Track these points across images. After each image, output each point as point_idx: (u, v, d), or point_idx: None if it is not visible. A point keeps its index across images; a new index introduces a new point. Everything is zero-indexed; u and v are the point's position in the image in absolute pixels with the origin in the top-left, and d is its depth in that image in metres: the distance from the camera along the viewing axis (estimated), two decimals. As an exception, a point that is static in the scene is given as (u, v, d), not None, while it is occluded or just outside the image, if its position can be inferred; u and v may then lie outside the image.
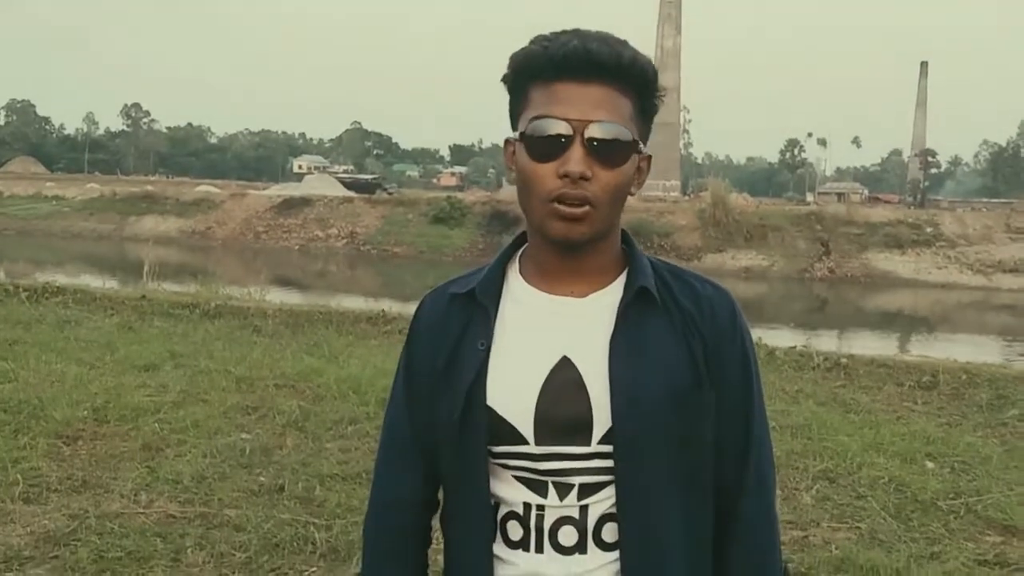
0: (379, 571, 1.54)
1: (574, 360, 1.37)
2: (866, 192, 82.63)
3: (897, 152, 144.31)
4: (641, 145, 1.38)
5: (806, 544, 4.53)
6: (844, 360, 9.17)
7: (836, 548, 4.46)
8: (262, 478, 5.12)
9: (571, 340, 1.38)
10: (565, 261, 1.40)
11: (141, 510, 4.61)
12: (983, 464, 5.87)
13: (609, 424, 1.34)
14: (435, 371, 1.44)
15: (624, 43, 1.35)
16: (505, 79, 1.39)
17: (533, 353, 1.38)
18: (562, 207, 1.32)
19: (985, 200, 78.42)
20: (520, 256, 1.49)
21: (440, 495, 1.53)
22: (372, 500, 1.57)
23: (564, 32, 1.35)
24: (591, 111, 1.31)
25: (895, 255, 32.28)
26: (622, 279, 1.42)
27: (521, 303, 1.43)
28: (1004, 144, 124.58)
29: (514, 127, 1.39)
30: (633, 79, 1.35)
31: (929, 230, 33.56)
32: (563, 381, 1.36)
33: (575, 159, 1.30)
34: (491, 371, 1.39)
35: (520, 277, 1.46)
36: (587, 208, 1.32)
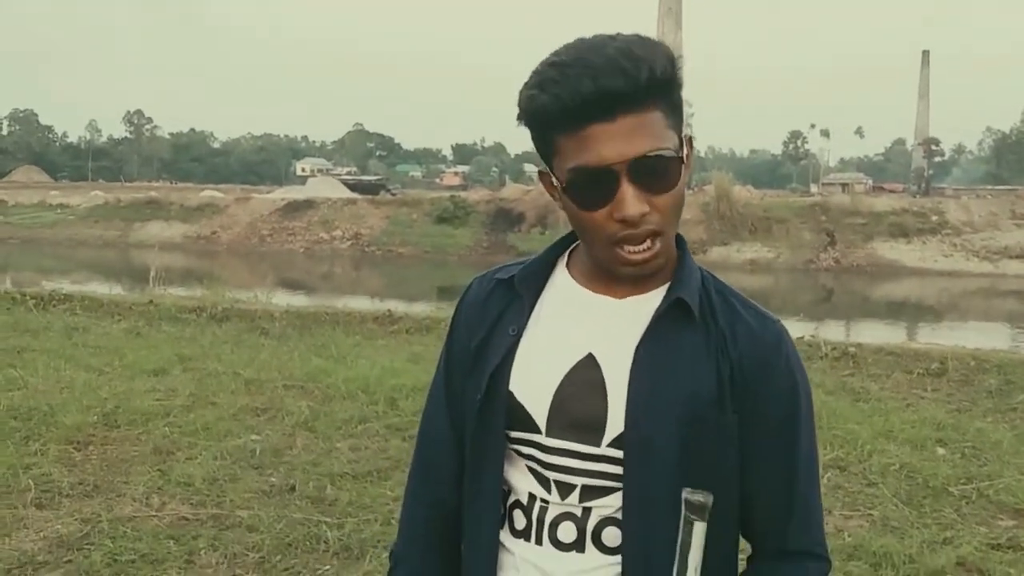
0: (414, 559, 1.54)
1: (598, 359, 1.34)
2: (870, 182, 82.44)
3: (901, 141, 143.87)
4: (682, 143, 1.30)
5: (818, 532, 4.53)
6: (852, 349, 9.17)
7: (849, 536, 4.46)
8: (273, 479, 5.13)
9: (599, 339, 1.35)
10: (624, 277, 1.35)
11: (153, 513, 4.62)
12: (994, 449, 5.87)
13: (621, 428, 1.31)
14: (469, 352, 1.45)
15: (633, 56, 1.22)
16: (527, 126, 1.31)
17: (560, 345, 1.37)
18: (629, 252, 1.27)
19: (990, 187, 78.19)
20: (571, 252, 1.47)
21: None
22: (411, 475, 1.58)
23: (568, 66, 1.23)
24: (628, 147, 1.23)
25: (900, 244, 32.20)
26: (665, 287, 1.37)
27: (560, 296, 1.42)
28: (1008, 131, 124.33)
29: (543, 157, 1.33)
30: (656, 92, 1.25)
31: (934, 218, 33.48)
32: (584, 377, 1.34)
33: (629, 202, 1.24)
34: (517, 357, 1.38)
35: (566, 272, 1.44)
36: (652, 242, 1.27)
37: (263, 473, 5.23)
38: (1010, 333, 18.46)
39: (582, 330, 1.37)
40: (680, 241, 1.40)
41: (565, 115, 1.23)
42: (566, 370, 1.35)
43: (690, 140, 1.34)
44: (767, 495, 1.37)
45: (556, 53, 1.27)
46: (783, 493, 1.37)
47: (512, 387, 1.37)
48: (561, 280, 1.43)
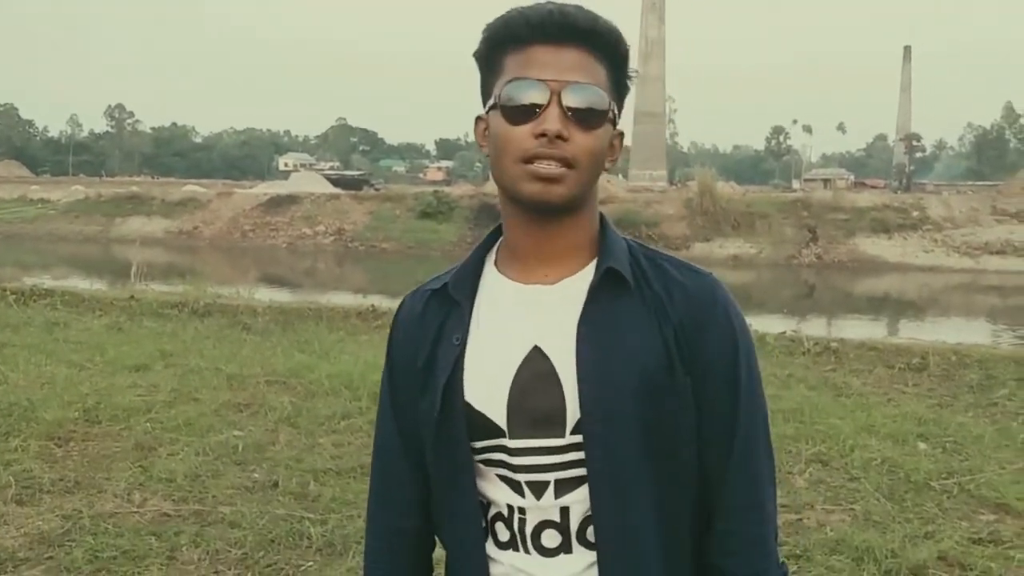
0: None
1: (545, 349, 1.32)
2: (852, 177, 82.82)
3: (882, 137, 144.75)
4: (617, 116, 1.35)
5: (801, 527, 4.55)
6: (834, 344, 9.21)
7: (831, 530, 4.48)
8: (256, 475, 5.12)
9: (541, 328, 1.34)
10: (538, 237, 1.36)
11: (135, 509, 4.60)
12: (975, 444, 5.91)
13: (580, 414, 1.30)
14: (416, 371, 1.41)
15: (594, 13, 1.33)
16: (478, 53, 1.37)
17: (505, 344, 1.34)
18: (539, 166, 1.27)
19: (971, 183, 78.73)
20: (497, 247, 1.45)
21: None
22: (370, 503, 1.55)
23: (539, 2, 1.32)
24: (567, 73, 1.28)
25: (882, 240, 32.33)
26: (593, 264, 1.37)
27: (494, 294, 1.40)
28: (988, 127, 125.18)
29: (484, 102, 1.36)
30: (608, 46, 1.32)
31: (915, 214, 33.63)
32: (534, 371, 1.32)
33: (552, 118, 1.26)
34: (467, 366, 1.35)
35: (495, 268, 1.42)
36: (564, 169, 1.28)
37: (245, 469, 5.21)
38: (991, 328, 18.57)
39: (523, 324, 1.35)
40: (601, 217, 1.42)
41: (523, 26, 1.30)
42: (515, 367, 1.33)
43: (621, 136, 1.40)
44: (716, 446, 1.36)
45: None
46: (725, 444, 1.36)
47: (468, 397, 1.34)
48: (492, 278, 1.42)
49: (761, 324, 11.09)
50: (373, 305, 11.64)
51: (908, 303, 24.46)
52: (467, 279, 1.42)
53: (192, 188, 46.36)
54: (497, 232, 1.46)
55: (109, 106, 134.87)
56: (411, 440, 1.44)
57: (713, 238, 32.60)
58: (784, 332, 9.98)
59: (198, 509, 4.61)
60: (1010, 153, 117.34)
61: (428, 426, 1.38)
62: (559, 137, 1.27)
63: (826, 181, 69.71)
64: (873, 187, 66.34)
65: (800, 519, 4.65)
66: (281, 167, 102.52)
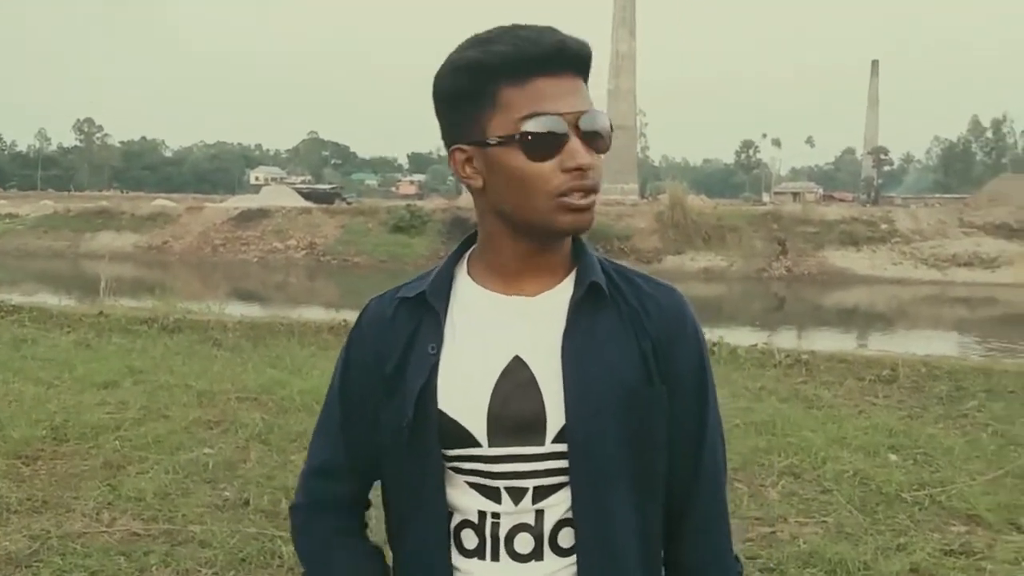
0: (324, 556, 1.54)
1: (526, 359, 1.35)
2: (821, 191, 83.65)
3: (850, 151, 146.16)
4: None
5: (774, 539, 4.56)
6: (805, 356, 9.26)
7: (804, 542, 4.50)
8: (226, 493, 5.07)
9: (522, 339, 1.36)
10: (531, 255, 1.38)
11: (104, 529, 4.54)
12: (945, 455, 5.95)
13: (563, 422, 1.32)
14: (382, 377, 1.41)
15: (581, 37, 1.36)
16: (457, 86, 1.33)
17: (484, 354, 1.36)
18: (574, 200, 1.30)
19: (938, 196, 79.56)
20: (469, 258, 1.46)
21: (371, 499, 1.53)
22: (301, 490, 1.56)
23: (518, 27, 1.32)
24: (577, 102, 1.31)
25: (851, 252, 32.58)
26: (571, 277, 1.40)
27: (470, 305, 1.41)
28: (955, 140, 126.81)
29: (465, 134, 1.34)
30: (587, 67, 1.35)
31: (884, 226, 33.93)
32: (515, 380, 1.34)
33: (580, 152, 1.29)
34: (442, 374, 1.36)
35: (469, 278, 1.43)
36: (593, 197, 1.32)
37: (216, 487, 5.16)
38: (959, 340, 18.74)
39: (503, 334, 1.36)
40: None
41: (520, 63, 1.28)
42: (496, 377, 1.34)
43: None
44: (683, 458, 1.42)
45: (487, 32, 1.34)
46: (696, 455, 1.43)
47: (442, 405, 1.35)
48: (466, 288, 1.42)
49: (732, 337, 11.14)
50: (345, 320, 11.57)
51: (877, 315, 24.66)
52: (443, 288, 1.42)
53: (162, 202, 46.03)
54: (468, 242, 1.48)
55: (78, 120, 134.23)
56: (356, 445, 1.46)
57: (684, 251, 32.73)
58: (755, 345, 10.02)
59: (168, 528, 4.56)
60: (976, 166, 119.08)
61: (395, 433, 1.38)
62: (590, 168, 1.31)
63: (795, 194, 70.19)
64: (842, 200, 66.91)
65: (773, 532, 4.67)
66: (252, 181, 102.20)
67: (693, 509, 1.44)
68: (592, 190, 1.31)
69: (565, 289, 1.39)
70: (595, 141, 1.31)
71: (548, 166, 1.29)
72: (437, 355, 1.37)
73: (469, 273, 1.44)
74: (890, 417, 6.98)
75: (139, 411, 6.62)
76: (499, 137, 1.30)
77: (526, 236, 1.37)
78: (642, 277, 1.45)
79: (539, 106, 1.28)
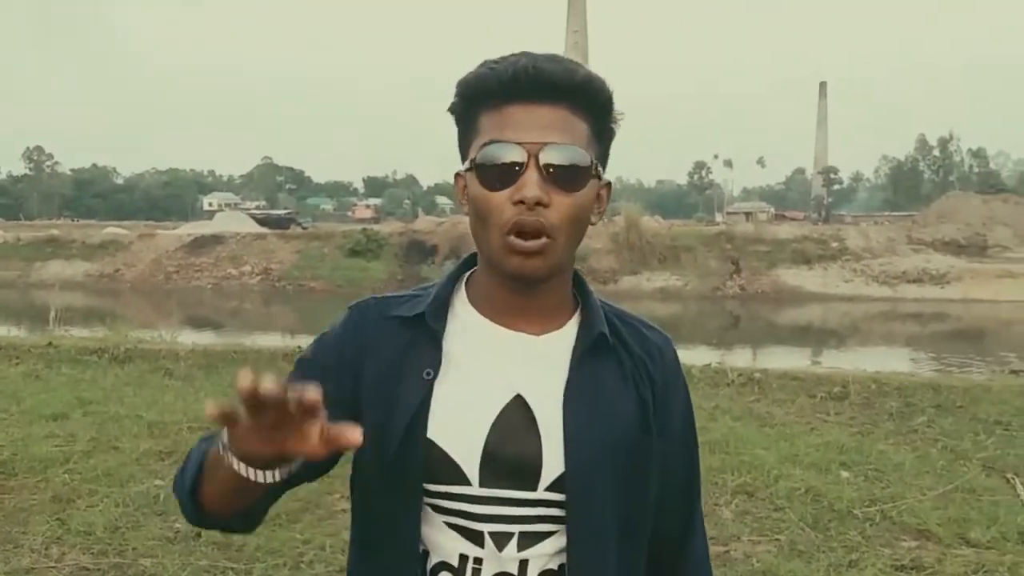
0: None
1: (527, 399, 1.29)
2: (772, 210, 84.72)
3: (801, 171, 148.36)
4: (601, 170, 1.30)
5: (728, 559, 4.59)
6: (757, 375, 9.32)
7: (757, 561, 4.53)
8: (178, 525, 4.99)
9: (525, 378, 1.30)
10: (516, 298, 1.33)
11: (52, 564, 4.46)
12: (896, 471, 6.02)
13: (560, 470, 1.26)
14: (357, 376, 1.33)
15: (578, 64, 1.28)
16: (453, 108, 1.31)
17: (485, 387, 1.29)
18: (518, 241, 1.23)
19: (887, 213, 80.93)
20: (467, 280, 1.40)
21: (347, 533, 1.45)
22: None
23: (513, 54, 1.27)
24: (545, 133, 1.23)
25: (803, 270, 33.00)
26: (575, 320, 1.36)
27: (471, 333, 1.34)
28: (903, 159, 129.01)
29: (463, 159, 1.31)
30: (587, 99, 1.27)
31: (835, 245, 34.42)
32: (515, 420, 1.27)
33: (531, 184, 1.21)
34: (435, 402, 1.28)
35: (468, 304, 1.36)
36: (544, 240, 1.23)
37: (167, 519, 5.08)
38: (910, 355, 19.01)
39: (505, 371, 1.30)
40: (577, 275, 1.40)
41: (495, 85, 1.24)
42: (496, 413, 1.28)
43: (609, 186, 1.35)
44: (675, 508, 1.43)
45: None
46: (688, 504, 1.45)
47: (432, 435, 1.27)
48: (466, 313, 1.36)
49: (688, 356, 11.18)
50: (300, 346, 11.50)
51: (830, 332, 24.97)
52: (442, 309, 1.35)
53: (113, 230, 45.46)
54: (468, 262, 1.42)
55: (28, 148, 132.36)
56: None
57: (640, 271, 32.97)
58: (709, 364, 10.09)
59: (118, 562, 4.48)
60: (924, 184, 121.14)
61: (374, 461, 1.30)
62: (539, 204, 1.22)
63: (748, 214, 71.08)
64: (793, 219, 67.89)
65: (727, 551, 4.69)
66: (206, 207, 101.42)
67: (687, 559, 1.46)
68: (539, 232, 1.23)
69: (569, 331, 1.35)
70: (561, 179, 1.23)
71: (501, 197, 1.23)
72: (432, 381, 1.30)
73: (469, 298, 1.37)
74: (841, 434, 7.05)
75: (89, 443, 6.51)
76: (469, 162, 1.28)
77: (498, 276, 1.32)
78: (641, 322, 1.43)
79: (500, 133, 1.23)
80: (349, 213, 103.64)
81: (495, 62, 1.27)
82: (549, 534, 1.29)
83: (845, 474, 5.95)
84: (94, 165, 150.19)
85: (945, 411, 7.82)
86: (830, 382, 8.84)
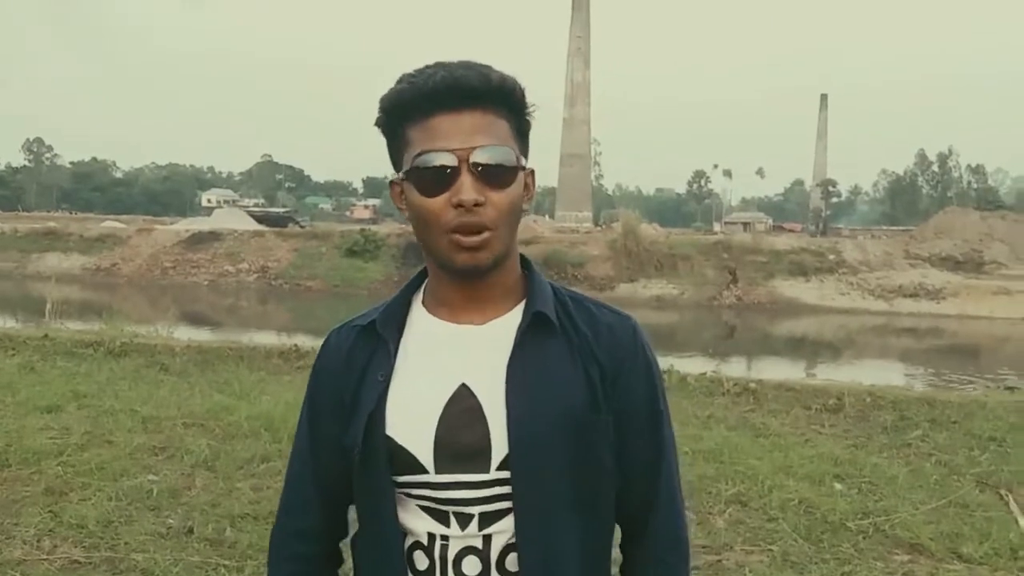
0: None
1: (472, 387, 1.38)
2: (770, 221, 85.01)
3: (799, 182, 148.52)
4: (524, 161, 1.41)
5: (720, 568, 4.59)
6: (753, 385, 9.33)
7: (750, 571, 4.53)
8: (170, 520, 4.99)
9: (469, 367, 1.39)
10: (466, 291, 1.42)
11: (44, 556, 4.45)
12: (889, 484, 6.02)
13: (507, 451, 1.35)
14: (341, 406, 1.46)
15: (489, 67, 1.37)
16: (380, 123, 1.41)
17: (432, 381, 1.39)
18: (462, 238, 1.33)
19: (885, 227, 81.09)
20: (424, 288, 1.50)
21: (347, 522, 1.55)
22: (275, 531, 1.58)
23: (428, 66, 1.37)
24: (472, 138, 1.33)
25: (800, 282, 33.02)
26: (522, 305, 1.44)
27: (422, 333, 1.44)
28: (902, 173, 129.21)
29: (396, 167, 1.41)
30: (504, 100, 1.37)
31: (832, 257, 34.45)
32: (461, 408, 1.37)
33: (466, 187, 1.32)
34: (390, 401, 1.39)
35: (423, 308, 1.47)
36: (486, 235, 1.34)
37: (160, 514, 5.08)
38: (905, 370, 19.02)
39: (451, 362, 1.40)
40: (525, 261, 1.49)
41: (417, 102, 1.34)
42: (443, 405, 1.37)
43: (532, 173, 1.45)
44: (638, 484, 1.47)
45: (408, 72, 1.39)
46: (652, 481, 1.48)
47: (390, 432, 1.38)
48: (420, 317, 1.47)
49: (683, 365, 11.22)
50: (296, 344, 11.50)
51: (825, 344, 24.96)
52: (394, 317, 1.47)
53: (111, 224, 45.47)
54: (424, 273, 1.51)
55: (27, 140, 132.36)
56: (325, 470, 1.50)
57: (637, 279, 32.97)
58: (705, 373, 10.10)
59: (110, 556, 4.48)
60: (923, 199, 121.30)
61: (351, 460, 1.42)
62: (476, 204, 1.32)
63: (746, 224, 71.29)
64: (791, 231, 68.06)
65: (720, 560, 4.69)
66: (204, 203, 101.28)
67: (649, 537, 1.49)
68: (480, 228, 1.33)
69: (514, 317, 1.43)
70: (492, 177, 1.34)
71: (440, 201, 1.33)
72: (386, 383, 1.40)
73: (424, 303, 1.48)
74: (836, 446, 7.06)
75: (83, 436, 6.51)
76: (404, 173, 1.37)
77: (445, 271, 1.41)
78: (596, 304, 1.49)
79: (430, 143, 1.33)
80: (347, 213, 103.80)
81: (413, 76, 1.36)
82: (508, 511, 1.37)
83: (839, 486, 5.96)
84: (93, 158, 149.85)
85: (939, 426, 7.82)
86: (825, 394, 8.85)
